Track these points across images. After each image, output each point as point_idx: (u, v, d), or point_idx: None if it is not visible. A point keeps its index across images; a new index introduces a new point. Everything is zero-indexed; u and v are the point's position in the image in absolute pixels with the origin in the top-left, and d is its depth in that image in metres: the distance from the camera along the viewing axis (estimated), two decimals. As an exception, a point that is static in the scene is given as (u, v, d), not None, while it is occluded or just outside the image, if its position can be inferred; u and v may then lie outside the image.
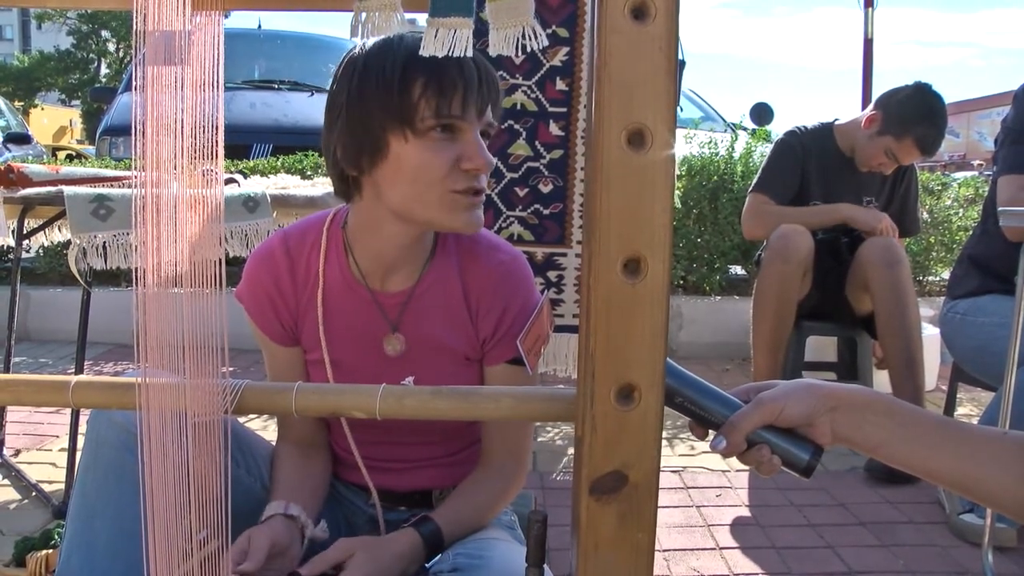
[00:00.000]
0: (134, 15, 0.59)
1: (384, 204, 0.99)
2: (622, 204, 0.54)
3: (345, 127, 0.96)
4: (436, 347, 1.07)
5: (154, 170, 0.62)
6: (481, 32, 0.57)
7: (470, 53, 0.57)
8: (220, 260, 0.67)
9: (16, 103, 20.22)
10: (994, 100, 9.46)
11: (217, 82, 0.65)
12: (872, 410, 0.74)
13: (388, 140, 0.94)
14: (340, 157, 0.98)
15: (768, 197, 2.59)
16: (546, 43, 2.12)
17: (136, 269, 0.64)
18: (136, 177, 0.62)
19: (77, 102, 28.13)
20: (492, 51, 0.59)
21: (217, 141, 0.65)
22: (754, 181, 2.68)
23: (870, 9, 4.56)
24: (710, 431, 0.76)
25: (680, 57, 2.39)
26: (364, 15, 0.57)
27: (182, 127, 0.63)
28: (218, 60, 0.65)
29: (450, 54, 0.58)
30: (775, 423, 0.74)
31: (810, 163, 2.62)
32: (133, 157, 0.63)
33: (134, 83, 0.61)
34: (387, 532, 1.09)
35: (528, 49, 0.58)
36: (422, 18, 0.61)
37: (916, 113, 2.42)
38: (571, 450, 2.43)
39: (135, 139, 0.61)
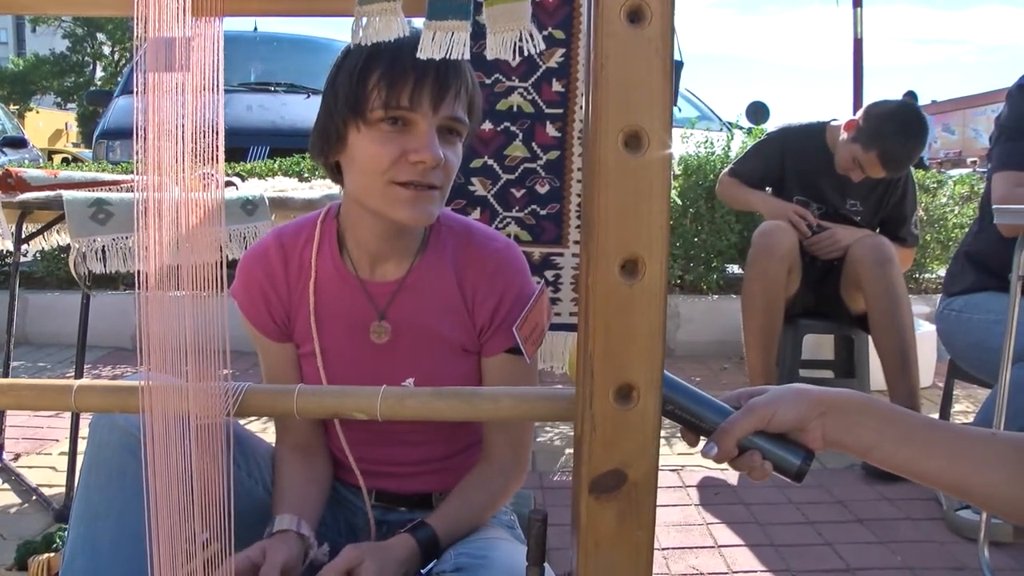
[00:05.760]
0: (135, 22, 0.59)
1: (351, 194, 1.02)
2: (619, 206, 0.55)
3: (320, 115, 1.00)
4: (428, 337, 1.07)
5: (156, 174, 0.63)
6: (477, 35, 0.57)
7: (467, 56, 0.58)
8: (221, 263, 0.68)
9: (11, 106, 20.19)
10: (990, 97, 9.50)
11: (217, 86, 0.65)
12: (862, 413, 0.74)
13: (347, 130, 0.97)
14: (313, 144, 1.02)
15: (737, 180, 2.77)
16: (543, 47, 2.13)
17: (138, 273, 0.64)
18: (138, 181, 0.63)
19: (73, 105, 28.08)
20: (489, 55, 0.59)
21: (217, 145, 0.66)
22: (729, 166, 2.86)
23: (858, 9, 4.55)
24: (701, 438, 0.76)
25: (679, 58, 2.39)
26: (365, 20, 0.58)
27: (183, 132, 0.64)
28: (218, 65, 0.65)
29: (447, 56, 0.58)
30: (766, 429, 0.74)
31: (788, 162, 2.66)
32: (135, 162, 0.63)
33: (135, 88, 0.62)
34: (385, 533, 1.10)
35: (525, 52, 0.59)
36: (418, 22, 0.61)
37: (888, 130, 2.40)
38: (569, 450, 2.43)
39: (136, 144, 0.62)
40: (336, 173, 1.04)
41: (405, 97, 0.93)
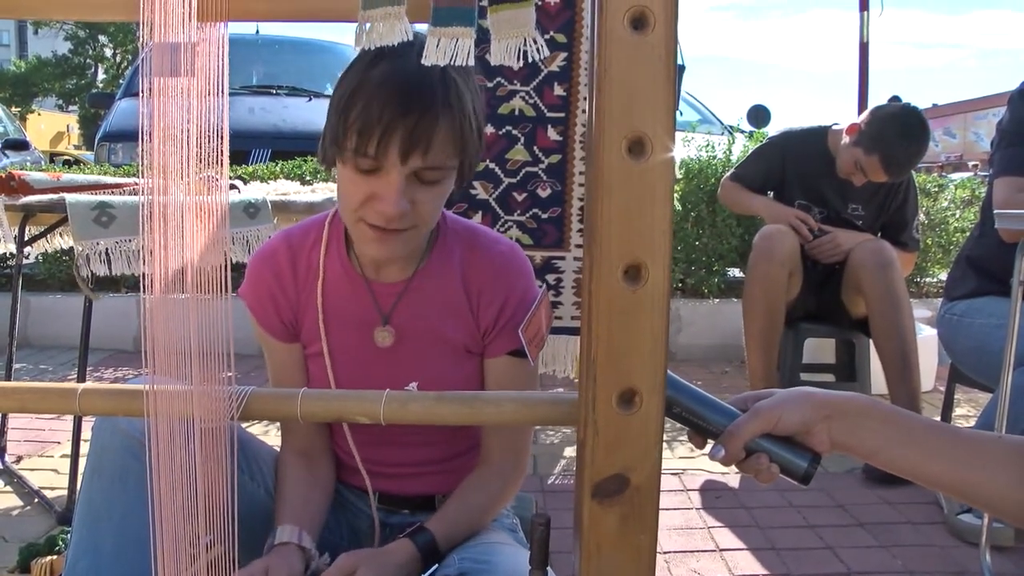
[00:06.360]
0: (140, 27, 0.60)
1: None
2: (622, 211, 0.55)
3: (325, 124, 0.99)
4: (433, 339, 1.08)
5: (160, 178, 0.63)
6: (480, 39, 0.58)
7: (471, 63, 0.58)
8: (226, 266, 0.68)
9: (13, 109, 20.21)
10: (991, 101, 9.48)
11: (221, 90, 0.65)
12: (868, 416, 0.75)
13: (333, 155, 0.97)
14: (319, 150, 1.01)
15: (738, 184, 2.77)
16: (547, 52, 2.15)
17: (143, 276, 0.64)
18: (143, 185, 0.63)
19: (74, 108, 28.11)
20: (493, 61, 0.60)
21: (221, 149, 0.66)
22: (731, 170, 2.86)
23: (865, 13, 4.55)
24: (708, 440, 0.77)
25: (680, 62, 2.40)
26: (368, 25, 0.58)
27: (187, 135, 0.64)
28: (222, 69, 0.65)
29: (451, 62, 0.58)
30: (773, 431, 0.74)
31: (790, 166, 2.66)
32: (140, 166, 0.63)
33: (139, 92, 0.62)
34: (388, 535, 1.10)
35: (529, 58, 0.59)
36: (422, 27, 0.61)
37: (890, 134, 2.40)
38: (568, 451, 2.43)
39: (141, 148, 0.62)
40: None
41: (372, 146, 0.90)
